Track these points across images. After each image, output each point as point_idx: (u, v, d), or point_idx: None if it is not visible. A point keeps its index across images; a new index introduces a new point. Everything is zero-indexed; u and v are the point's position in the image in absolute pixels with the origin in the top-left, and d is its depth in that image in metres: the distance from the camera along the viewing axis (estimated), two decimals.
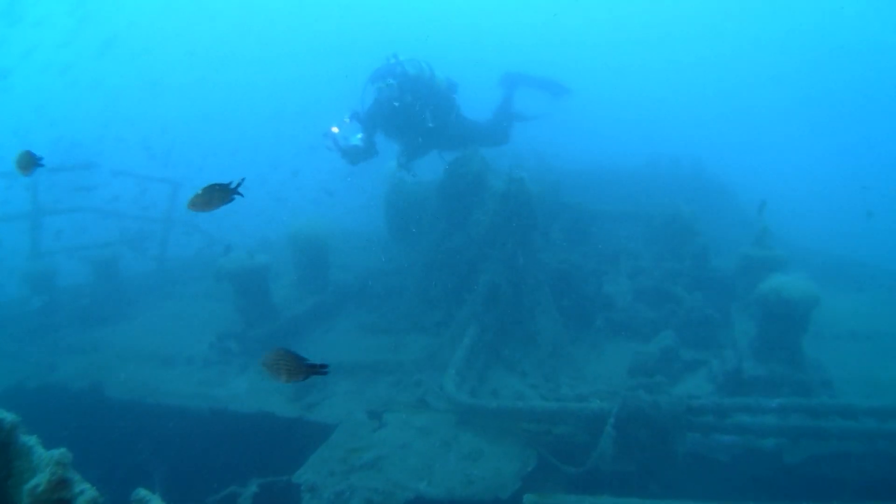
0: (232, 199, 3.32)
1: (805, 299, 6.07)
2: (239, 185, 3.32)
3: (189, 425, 6.60)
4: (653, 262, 8.70)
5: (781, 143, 26.28)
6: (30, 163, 4.22)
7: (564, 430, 5.47)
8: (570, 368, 6.91)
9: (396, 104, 8.11)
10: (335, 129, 8.37)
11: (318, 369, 2.94)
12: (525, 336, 7.09)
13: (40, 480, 1.96)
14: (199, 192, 3.29)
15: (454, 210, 7.96)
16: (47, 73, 28.69)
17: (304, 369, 2.94)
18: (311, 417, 6.31)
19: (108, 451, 6.44)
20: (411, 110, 8.22)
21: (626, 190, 10.63)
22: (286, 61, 38.85)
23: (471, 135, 8.82)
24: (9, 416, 2.22)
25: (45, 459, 2.03)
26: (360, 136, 8.47)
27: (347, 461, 5.23)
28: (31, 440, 2.20)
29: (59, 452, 2.02)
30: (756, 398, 5.42)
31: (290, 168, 17.52)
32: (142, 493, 2.25)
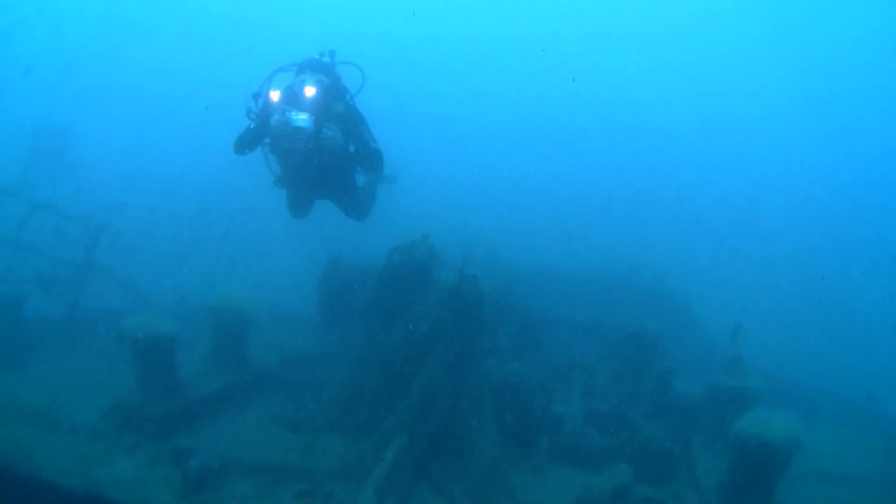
0: None
1: (789, 444, 5.62)
2: None
3: None
4: (609, 381, 8.04)
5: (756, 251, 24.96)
6: None
7: None
8: (507, 496, 6.18)
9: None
10: (274, 95, 6.42)
11: None
12: (459, 453, 6.34)
13: None
14: None
15: (394, 300, 7.19)
16: None
17: None
18: None
19: None
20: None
21: (580, 296, 10.06)
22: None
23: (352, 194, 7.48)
24: None
25: None
26: (305, 116, 6.32)
27: None
28: None
29: None
30: None
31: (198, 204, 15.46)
32: None
